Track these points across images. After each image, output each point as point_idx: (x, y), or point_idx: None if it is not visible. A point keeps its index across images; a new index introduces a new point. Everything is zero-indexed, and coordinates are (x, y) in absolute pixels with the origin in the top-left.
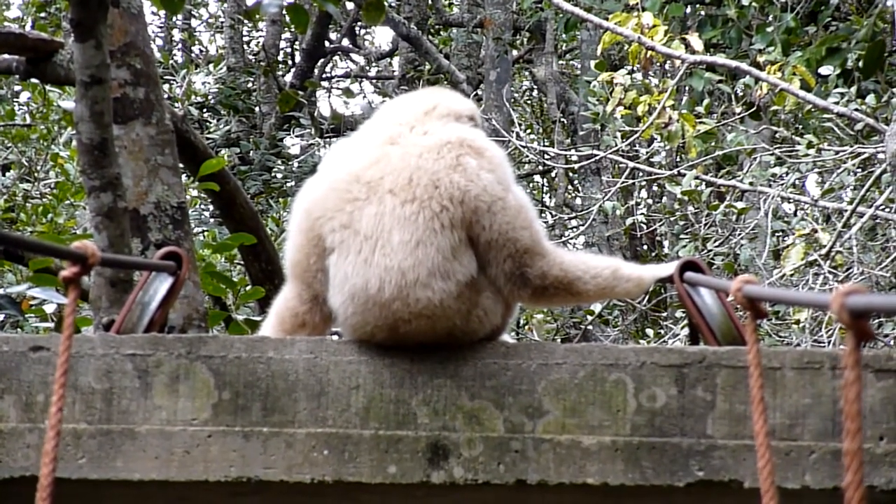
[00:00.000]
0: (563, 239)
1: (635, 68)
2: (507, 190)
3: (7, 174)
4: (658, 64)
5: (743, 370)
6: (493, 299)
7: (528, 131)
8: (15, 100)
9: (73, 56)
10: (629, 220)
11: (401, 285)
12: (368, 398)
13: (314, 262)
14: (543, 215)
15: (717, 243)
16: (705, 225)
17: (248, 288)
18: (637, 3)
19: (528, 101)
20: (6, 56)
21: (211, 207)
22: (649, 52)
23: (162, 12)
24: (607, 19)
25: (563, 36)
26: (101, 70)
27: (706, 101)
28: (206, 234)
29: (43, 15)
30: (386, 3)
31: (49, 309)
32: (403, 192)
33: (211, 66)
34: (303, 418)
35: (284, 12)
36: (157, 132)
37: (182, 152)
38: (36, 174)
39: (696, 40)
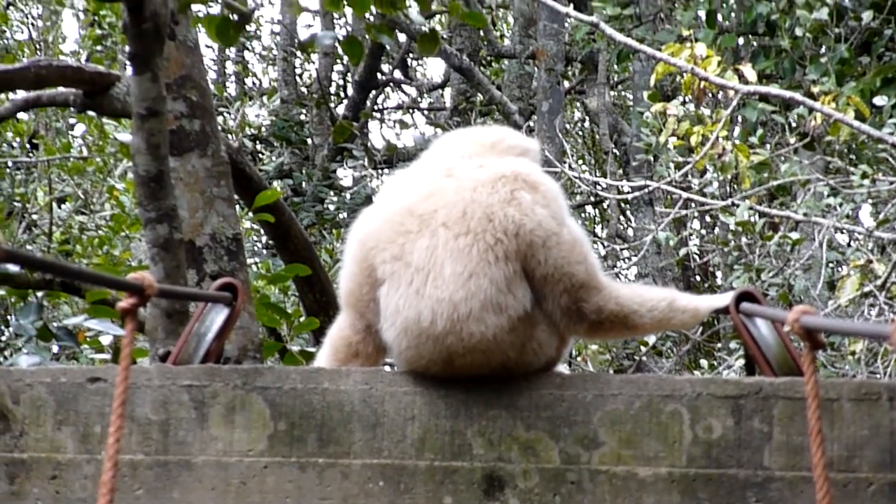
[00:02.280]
0: (616, 270)
1: (688, 99)
2: (561, 224)
3: (63, 206)
4: (711, 94)
5: (800, 401)
6: (547, 332)
7: (580, 162)
8: (70, 132)
9: (130, 89)
10: (682, 251)
11: (453, 318)
12: (424, 429)
13: (367, 293)
14: (595, 246)
15: (771, 274)
16: (759, 256)
17: (302, 319)
18: (690, 34)
19: (580, 132)
20: (63, 89)
21: (265, 239)
22: (703, 83)
23: (216, 45)
24: (660, 50)
25: (616, 67)
26: (157, 102)
27: (760, 132)
28: (259, 265)
29: (99, 48)
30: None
31: (105, 340)
32: (457, 226)
33: (265, 99)
34: (358, 449)
35: (338, 44)
36: (212, 164)
37: (237, 184)
38: (92, 206)
39: (749, 71)
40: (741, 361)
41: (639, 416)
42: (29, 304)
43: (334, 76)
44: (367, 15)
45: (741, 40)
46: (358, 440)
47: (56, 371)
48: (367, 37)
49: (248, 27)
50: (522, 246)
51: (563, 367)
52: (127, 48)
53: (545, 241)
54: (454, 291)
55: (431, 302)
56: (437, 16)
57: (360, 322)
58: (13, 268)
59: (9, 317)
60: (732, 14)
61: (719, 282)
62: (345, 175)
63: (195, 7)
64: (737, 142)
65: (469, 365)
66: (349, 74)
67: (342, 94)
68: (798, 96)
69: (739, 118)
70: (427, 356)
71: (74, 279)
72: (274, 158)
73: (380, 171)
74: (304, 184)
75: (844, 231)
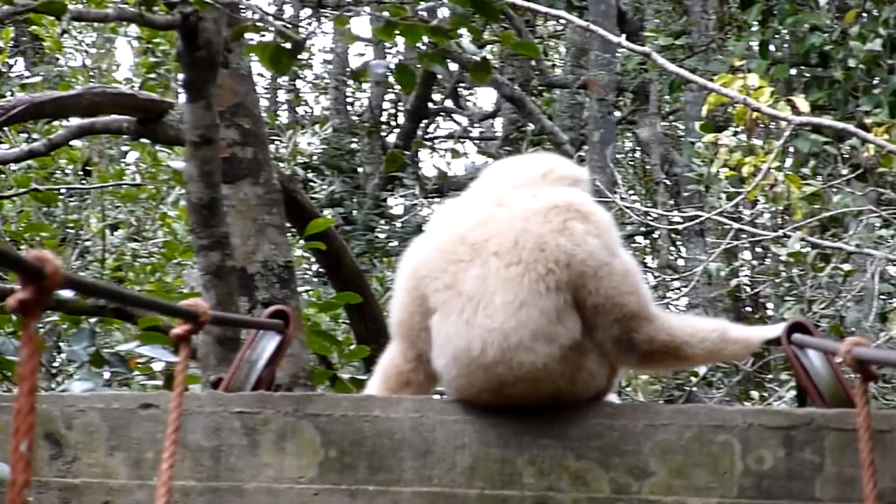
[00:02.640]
0: (666, 300)
1: (740, 129)
2: (613, 255)
3: (116, 233)
4: (763, 125)
5: (851, 433)
6: (598, 362)
7: (631, 192)
8: (123, 160)
9: (184, 116)
10: (733, 282)
11: (503, 348)
12: (474, 458)
13: (418, 322)
14: (646, 276)
15: (822, 305)
16: (811, 287)
17: (353, 347)
18: (742, 65)
19: (632, 162)
20: (117, 116)
21: (315, 267)
22: (755, 114)
23: (268, 73)
24: (712, 80)
25: (668, 97)
26: (210, 130)
27: (812, 163)
28: (310, 293)
29: (153, 76)
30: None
31: (157, 367)
32: (508, 255)
33: (317, 127)
34: (409, 477)
35: (390, 73)
36: (264, 192)
37: (289, 212)
38: (144, 233)
39: (802, 102)
40: (792, 393)
41: (689, 447)
42: (82, 331)
43: (386, 105)
44: (419, 44)
45: (794, 71)
46: (408, 468)
47: (108, 397)
48: (419, 66)
49: (300, 56)
50: (574, 276)
51: (613, 397)
52: (180, 76)
53: (597, 272)
54: (504, 321)
55: (482, 331)
56: (489, 45)
57: (411, 351)
58: (66, 294)
59: (61, 343)
60: (785, 45)
61: (770, 313)
62: (396, 204)
63: (248, 35)
64: (789, 173)
65: (519, 394)
66: (400, 103)
67: (393, 123)
68: (851, 127)
69: (792, 149)
70: (477, 385)
71: (131, 305)
72: (325, 187)
73: (431, 199)
74: (354, 212)
75: None
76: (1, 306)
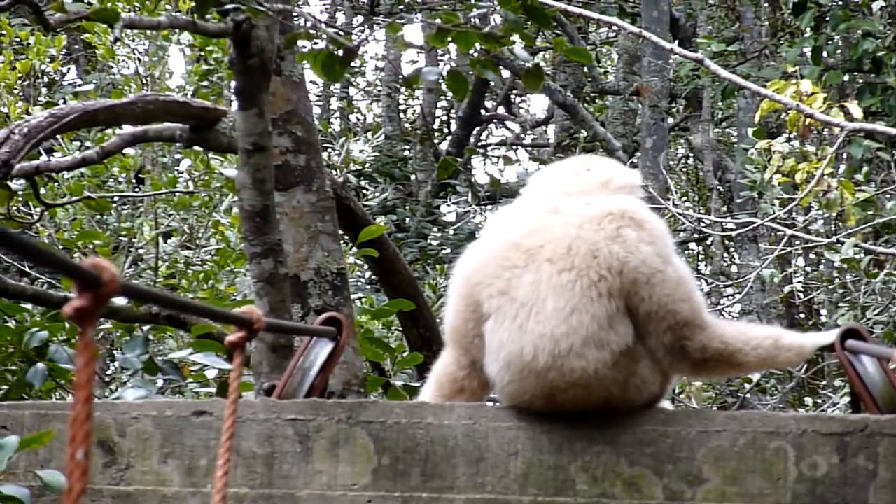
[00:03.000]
0: (719, 307)
1: (793, 135)
2: (666, 262)
3: (169, 241)
4: (816, 131)
5: None
6: (650, 368)
7: (684, 199)
8: (175, 168)
9: (236, 124)
10: (787, 289)
11: (554, 354)
12: (527, 464)
13: (472, 328)
14: (699, 283)
15: (876, 311)
16: (864, 293)
17: (405, 354)
18: (795, 71)
19: (684, 169)
20: (170, 124)
21: (368, 274)
22: (808, 120)
23: (320, 81)
24: (765, 87)
25: (720, 103)
26: (263, 138)
27: (865, 169)
28: (363, 300)
29: (205, 83)
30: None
31: (210, 374)
32: (561, 261)
33: (369, 134)
34: (461, 484)
35: (442, 80)
36: (317, 199)
37: (341, 219)
38: (197, 241)
39: (855, 108)
40: (846, 399)
41: (743, 453)
42: (135, 338)
43: (438, 112)
44: (471, 51)
45: (846, 77)
46: (461, 475)
47: (162, 404)
48: (471, 73)
49: (352, 63)
50: (626, 283)
51: (666, 404)
52: (233, 84)
53: (649, 279)
54: (556, 326)
55: (533, 337)
56: (542, 52)
57: (464, 358)
58: (119, 301)
59: (115, 351)
60: (838, 51)
61: (824, 319)
62: (448, 211)
63: (301, 42)
64: (842, 179)
65: (571, 400)
66: (453, 110)
67: (446, 130)
68: None
69: (845, 155)
70: (529, 391)
71: (185, 312)
72: (378, 194)
73: (483, 206)
74: (407, 219)
75: None
76: (55, 314)
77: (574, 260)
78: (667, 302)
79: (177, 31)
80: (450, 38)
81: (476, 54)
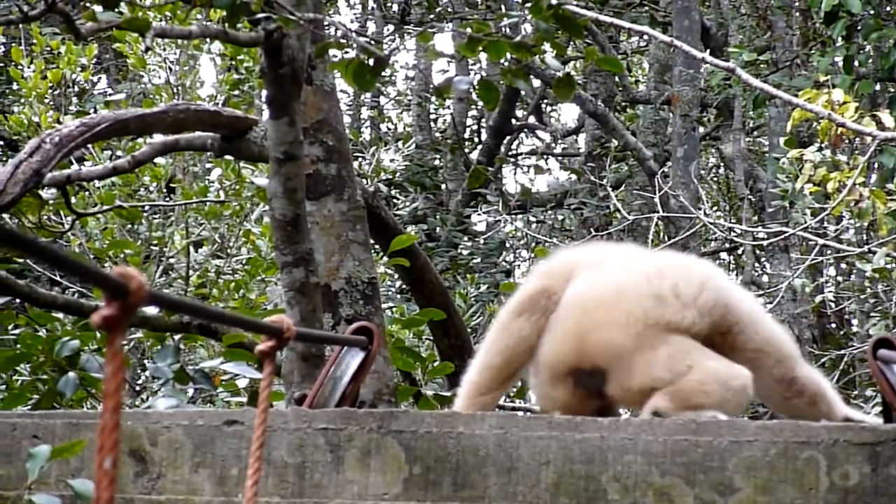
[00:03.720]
0: None
1: (825, 145)
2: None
3: (200, 250)
4: (848, 141)
5: None
6: None
7: (715, 208)
8: (206, 177)
9: (267, 133)
10: (818, 298)
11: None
12: (558, 474)
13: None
14: None
15: None
16: None
17: (436, 363)
18: (827, 80)
19: (715, 178)
20: (201, 133)
21: (398, 283)
22: (840, 129)
23: (350, 90)
24: (797, 96)
25: (752, 113)
26: (294, 147)
27: None
28: (393, 309)
29: (236, 92)
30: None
31: (241, 383)
32: (621, 300)
33: (400, 144)
34: (493, 493)
35: (473, 89)
36: (348, 208)
37: (372, 228)
38: (228, 250)
39: (887, 117)
40: (877, 409)
41: (775, 463)
42: (166, 347)
43: (469, 121)
44: (502, 60)
45: (878, 86)
46: (492, 484)
47: (193, 414)
48: (502, 82)
49: (383, 72)
50: (718, 320)
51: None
52: (264, 93)
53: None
54: None
55: None
56: (572, 61)
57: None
58: (150, 311)
59: (145, 360)
60: (870, 60)
61: (855, 329)
62: (479, 220)
63: (332, 52)
64: (874, 188)
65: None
66: (483, 120)
67: (476, 140)
68: None
69: (877, 165)
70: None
71: (215, 321)
72: (408, 203)
73: (513, 216)
74: (437, 229)
75: None
76: (86, 323)
77: (637, 299)
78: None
79: (207, 40)
80: (481, 48)
81: (507, 63)
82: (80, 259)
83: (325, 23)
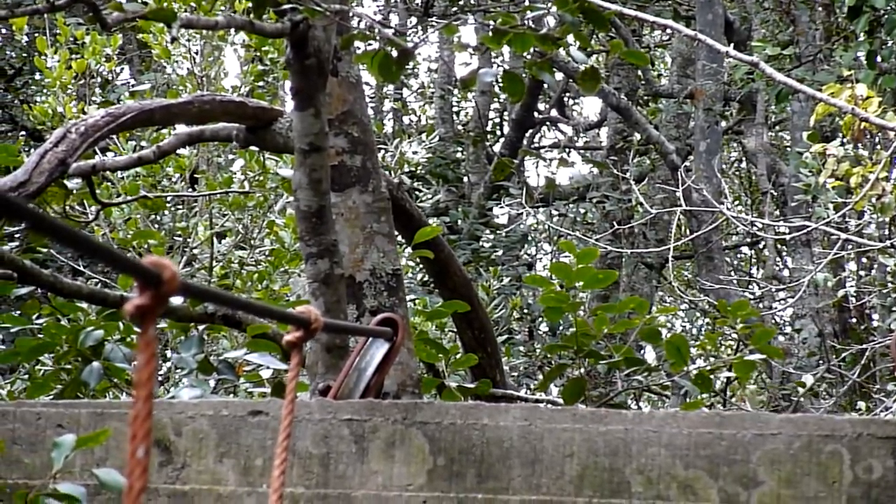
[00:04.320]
0: (772, 311)
1: (848, 139)
2: None
3: (224, 241)
4: (871, 135)
5: None
6: None
7: (737, 202)
8: (230, 168)
9: (293, 124)
10: (840, 293)
11: None
12: (582, 466)
13: None
14: (751, 287)
15: None
16: None
17: (458, 355)
18: (850, 75)
19: (738, 172)
20: (226, 124)
21: (420, 275)
22: (863, 124)
23: (373, 82)
24: (820, 90)
25: (774, 107)
26: (319, 138)
27: None
28: (416, 301)
29: (261, 84)
30: None
31: (264, 374)
32: None
33: (423, 136)
34: (517, 485)
35: (496, 82)
36: (373, 200)
37: (397, 220)
38: (252, 241)
39: None
40: None
41: (798, 456)
42: (190, 338)
43: (491, 114)
44: (526, 53)
45: None
46: (517, 476)
47: (218, 404)
48: (527, 73)
49: (406, 65)
50: None
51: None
52: (289, 84)
53: None
54: None
55: None
56: (595, 55)
57: None
58: (175, 301)
59: (167, 350)
60: (893, 56)
61: (876, 324)
62: (501, 213)
63: (357, 43)
64: None
65: None
66: (506, 113)
67: (498, 132)
68: None
69: None
70: None
71: (245, 312)
72: (430, 196)
73: (536, 209)
74: (459, 221)
75: None
76: (111, 313)
77: None
78: None
79: (232, 31)
80: (506, 40)
81: (529, 56)
82: (113, 249)
83: (351, 14)
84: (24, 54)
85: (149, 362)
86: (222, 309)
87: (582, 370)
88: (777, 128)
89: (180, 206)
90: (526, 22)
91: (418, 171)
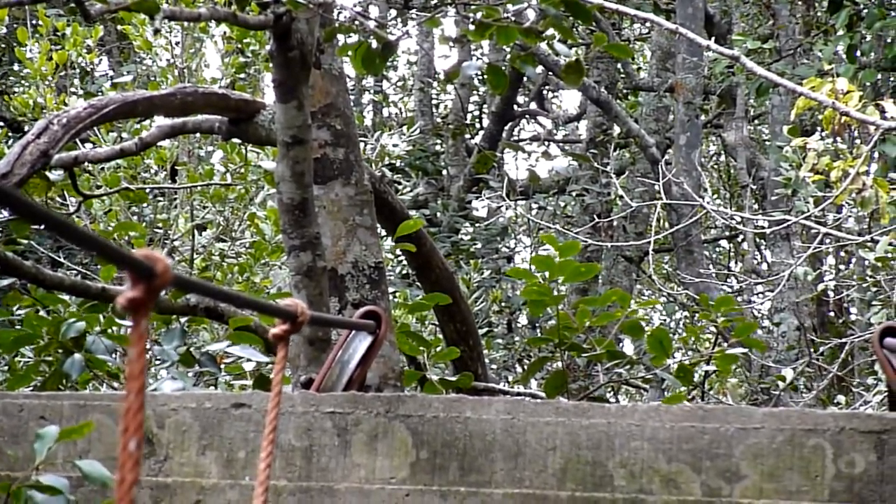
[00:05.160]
0: (751, 304)
1: (828, 133)
2: None
3: (204, 233)
4: (851, 129)
5: None
6: None
7: (716, 196)
8: (211, 160)
9: (275, 117)
10: (819, 286)
11: None
12: (565, 459)
13: None
14: (729, 280)
15: None
16: None
17: (440, 348)
18: (831, 69)
19: (717, 166)
20: (209, 116)
21: (400, 268)
22: (843, 118)
23: (353, 74)
24: (800, 84)
25: (754, 101)
26: (302, 131)
27: None
28: (397, 294)
29: (242, 76)
30: None
31: (247, 367)
32: None
33: (404, 129)
34: (500, 479)
35: (480, 74)
36: (355, 192)
37: (379, 212)
38: (232, 233)
39: (890, 106)
40: (878, 397)
41: (781, 450)
42: (172, 330)
43: (470, 107)
44: (508, 45)
45: (881, 76)
46: (500, 469)
47: (201, 396)
48: (506, 66)
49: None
50: None
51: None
52: (271, 76)
53: None
54: None
55: None
56: (574, 48)
57: None
58: None
59: (147, 342)
60: (873, 50)
61: (854, 317)
62: (480, 206)
63: (340, 36)
64: (876, 177)
65: None
66: (485, 105)
67: (478, 125)
68: None
69: (878, 154)
70: None
71: (232, 304)
72: (410, 188)
73: (515, 202)
74: (439, 214)
75: None
76: (92, 305)
77: None
78: None
79: (213, 22)
80: (489, 33)
81: (511, 49)
82: (107, 241)
83: (334, 6)
84: (4, 45)
85: (141, 355)
86: (205, 301)
87: (562, 363)
88: (757, 122)
89: (161, 199)
90: (507, 15)
91: (397, 164)
